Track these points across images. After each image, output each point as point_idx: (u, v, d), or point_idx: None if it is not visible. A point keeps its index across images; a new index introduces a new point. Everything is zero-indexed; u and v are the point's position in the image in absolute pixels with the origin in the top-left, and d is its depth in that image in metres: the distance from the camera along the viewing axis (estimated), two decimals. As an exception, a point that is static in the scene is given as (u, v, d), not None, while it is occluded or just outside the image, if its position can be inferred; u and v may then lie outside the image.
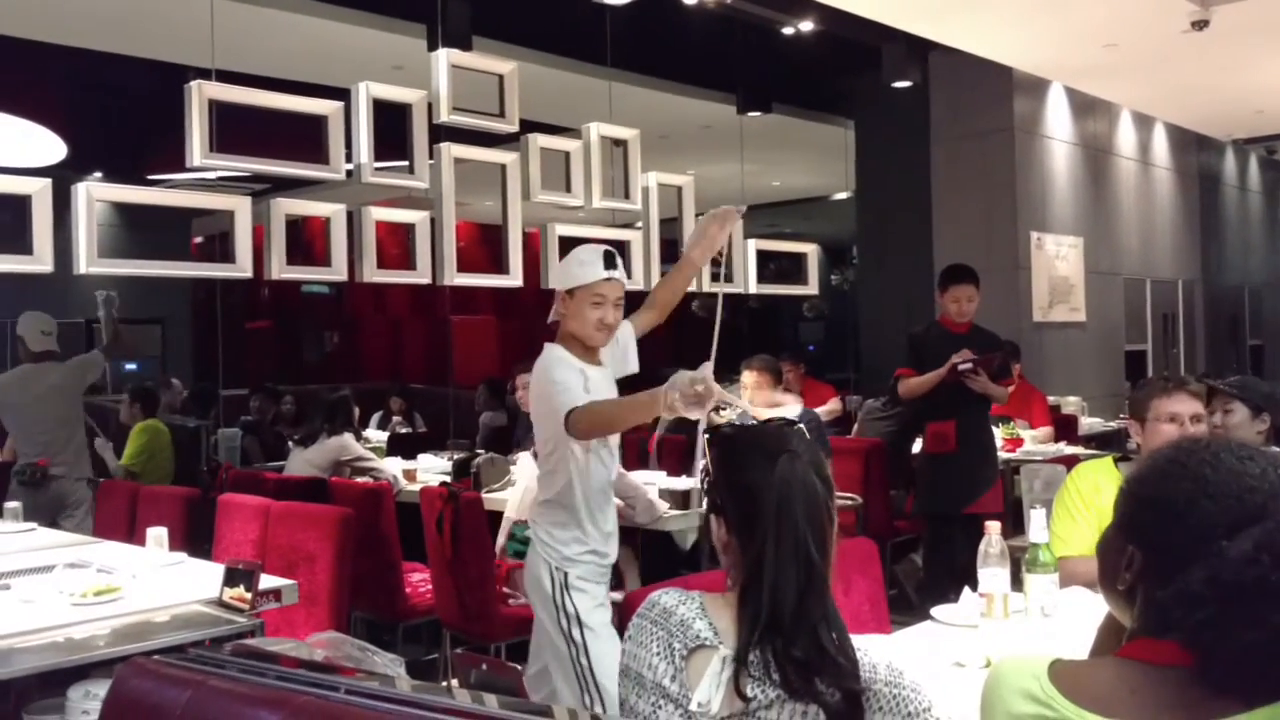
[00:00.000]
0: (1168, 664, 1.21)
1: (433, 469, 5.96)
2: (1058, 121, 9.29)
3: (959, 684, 2.05)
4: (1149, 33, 7.49)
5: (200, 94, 4.35)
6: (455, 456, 5.97)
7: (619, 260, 3.01)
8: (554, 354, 2.96)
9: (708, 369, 2.51)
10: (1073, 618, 2.36)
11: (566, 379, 2.86)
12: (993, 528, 2.55)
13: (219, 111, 4.41)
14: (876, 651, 1.47)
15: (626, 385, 3.10)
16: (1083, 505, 2.84)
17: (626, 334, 3.13)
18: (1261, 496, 1.23)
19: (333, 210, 4.91)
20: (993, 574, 2.51)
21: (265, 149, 4.60)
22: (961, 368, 4.73)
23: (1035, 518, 2.51)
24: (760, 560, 1.52)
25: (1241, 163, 12.61)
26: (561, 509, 2.93)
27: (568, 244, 5.36)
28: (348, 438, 5.48)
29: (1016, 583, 2.56)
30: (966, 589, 2.61)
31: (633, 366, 3.17)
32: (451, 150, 5.11)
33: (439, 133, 5.12)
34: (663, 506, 4.38)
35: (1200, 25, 7.13)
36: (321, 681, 1.25)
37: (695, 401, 2.49)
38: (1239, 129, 11.51)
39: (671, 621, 1.52)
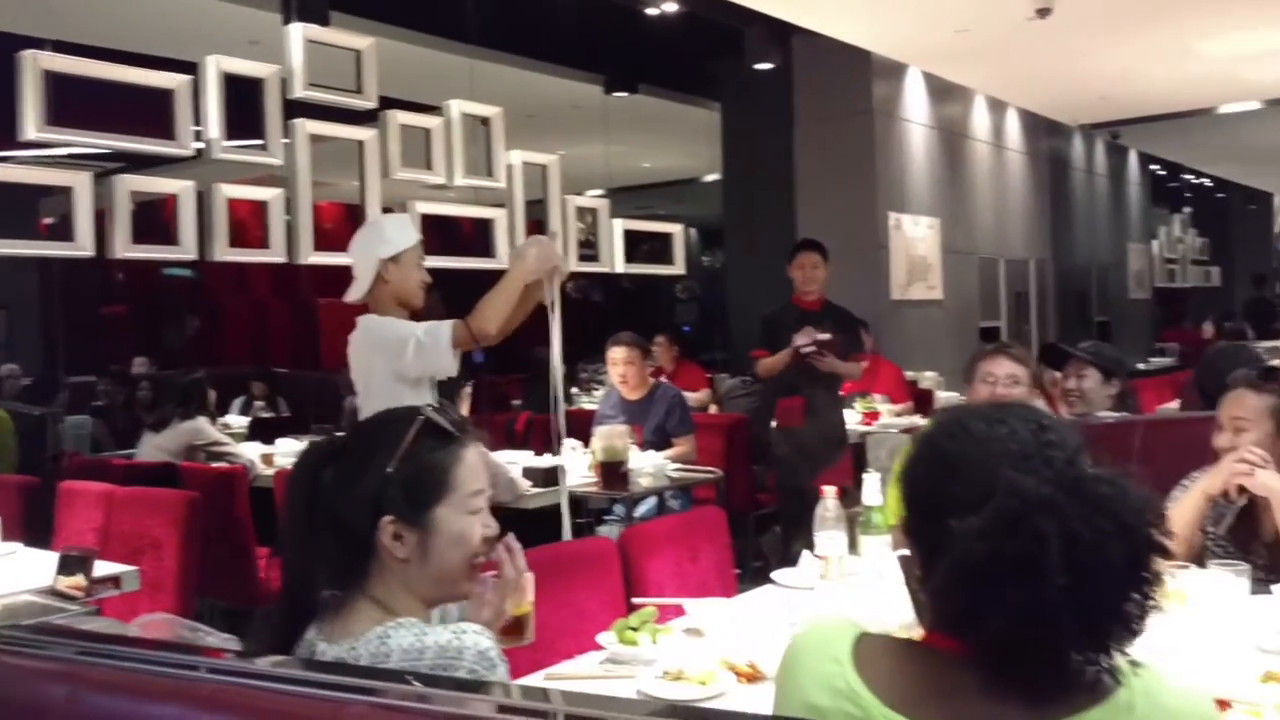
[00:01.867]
0: (955, 652, 1.08)
1: (292, 453, 5.84)
2: (915, 105, 9.56)
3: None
4: (996, 19, 7.74)
5: (34, 64, 4.15)
6: (315, 440, 5.86)
7: None
8: (380, 318, 3.01)
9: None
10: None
11: (407, 324, 2.95)
12: (829, 492, 2.64)
13: (59, 85, 4.23)
14: (436, 636, 1.45)
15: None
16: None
17: None
18: (1009, 461, 1.07)
19: (180, 187, 4.74)
20: (829, 537, 2.60)
21: (110, 124, 4.43)
22: (805, 350, 4.85)
23: (869, 481, 2.60)
24: None
25: (1088, 147, 13.19)
26: None
27: (431, 222, 5.32)
28: (201, 422, 5.34)
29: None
30: (805, 552, 2.69)
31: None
32: (306, 126, 5.00)
33: (294, 109, 5.01)
34: (525, 484, 4.39)
35: (1044, 13, 7.40)
36: (99, 650, 1.23)
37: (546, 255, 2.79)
38: (1085, 114, 12.00)
39: None
